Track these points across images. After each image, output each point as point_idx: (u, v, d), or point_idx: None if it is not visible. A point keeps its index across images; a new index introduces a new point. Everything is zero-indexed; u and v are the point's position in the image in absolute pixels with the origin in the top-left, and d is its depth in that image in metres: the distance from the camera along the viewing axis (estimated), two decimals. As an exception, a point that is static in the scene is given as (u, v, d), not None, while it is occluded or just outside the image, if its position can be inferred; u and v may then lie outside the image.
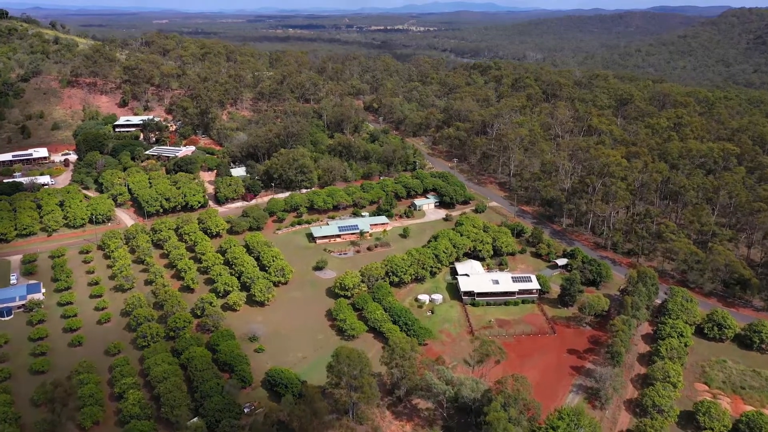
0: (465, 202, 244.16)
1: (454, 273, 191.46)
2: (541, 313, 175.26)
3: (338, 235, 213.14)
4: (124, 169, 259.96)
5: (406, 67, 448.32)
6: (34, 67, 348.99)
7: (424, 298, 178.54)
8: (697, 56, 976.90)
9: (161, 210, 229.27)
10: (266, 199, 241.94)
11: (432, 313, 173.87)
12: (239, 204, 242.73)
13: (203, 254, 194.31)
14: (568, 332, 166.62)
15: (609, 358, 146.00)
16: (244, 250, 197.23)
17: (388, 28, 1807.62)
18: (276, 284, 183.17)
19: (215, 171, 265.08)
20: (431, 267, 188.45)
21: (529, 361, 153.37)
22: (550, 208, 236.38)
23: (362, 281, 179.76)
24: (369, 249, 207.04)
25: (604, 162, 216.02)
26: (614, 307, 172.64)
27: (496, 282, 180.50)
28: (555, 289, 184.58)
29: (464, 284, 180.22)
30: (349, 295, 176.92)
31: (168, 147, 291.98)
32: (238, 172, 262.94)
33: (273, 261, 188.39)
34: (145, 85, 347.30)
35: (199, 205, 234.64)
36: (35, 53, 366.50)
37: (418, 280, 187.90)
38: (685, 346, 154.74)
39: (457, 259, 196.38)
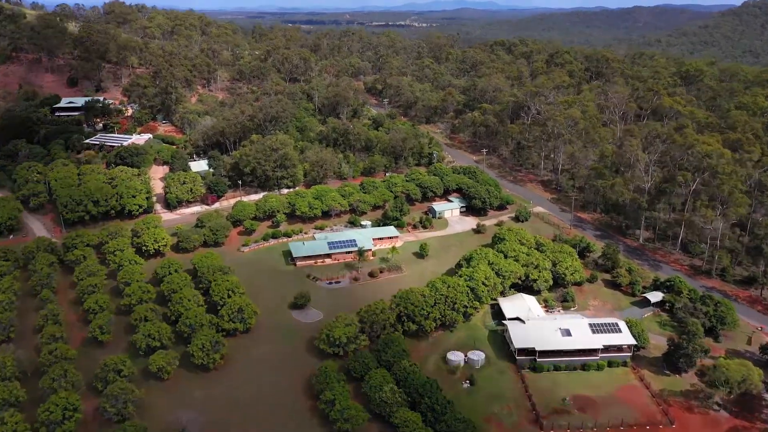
0: (500, 207, 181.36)
1: (498, 316, 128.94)
2: (640, 383, 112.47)
3: (328, 255, 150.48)
4: (51, 161, 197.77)
5: (416, 44, 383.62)
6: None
7: (456, 357, 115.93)
8: (721, 47, 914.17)
9: (86, 217, 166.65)
10: (234, 202, 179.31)
11: (470, 384, 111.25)
12: (197, 208, 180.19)
13: (127, 285, 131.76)
14: (692, 421, 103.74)
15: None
16: (190, 278, 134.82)
17: (390, 23, 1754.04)
18: (231, 333, 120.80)
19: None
20: (465, 306, 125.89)
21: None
22: (619, 215, 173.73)
23: (361, 330, 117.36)
24: (371, 275, 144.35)
25: (704, 152, 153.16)
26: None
27: (567, 333, 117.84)
28: (654, 342, 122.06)
29: (518, 336, 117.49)
30: (341, 353, 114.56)
31: (115, 135, 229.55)
32: (200, 166, 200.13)
33: (228, 296, 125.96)
34: (97, 60, 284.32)
35: (141, 210, 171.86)
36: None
37: (447, 326, 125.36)
38: None
39: (502, 293, 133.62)
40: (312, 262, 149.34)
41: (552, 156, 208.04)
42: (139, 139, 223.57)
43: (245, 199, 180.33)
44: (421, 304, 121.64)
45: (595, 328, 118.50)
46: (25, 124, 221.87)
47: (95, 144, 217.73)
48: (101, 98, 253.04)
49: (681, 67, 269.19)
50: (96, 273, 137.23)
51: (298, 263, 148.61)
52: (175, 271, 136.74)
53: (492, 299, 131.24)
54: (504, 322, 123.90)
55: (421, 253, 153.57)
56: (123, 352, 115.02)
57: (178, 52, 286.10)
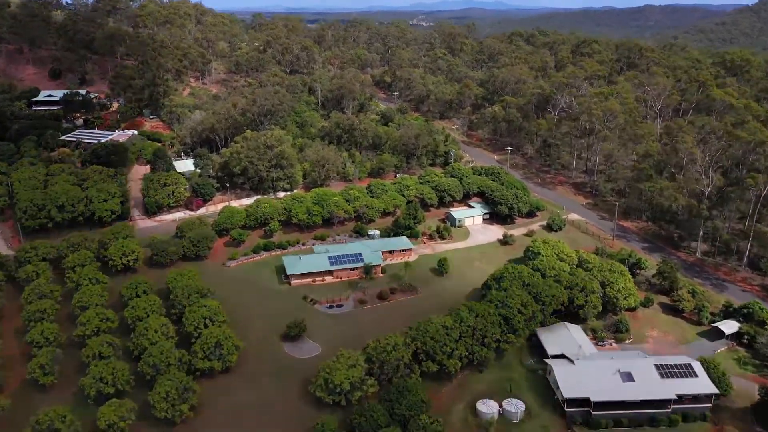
0: (529, 214, 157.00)
1: (537, 349, 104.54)
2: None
3: (329, 271, 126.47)
4: (18, 159, 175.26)
5: (427, 35, 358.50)
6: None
7: (489, 409, 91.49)
8: (740, 44, 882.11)
9: (50, 224, 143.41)
10: (222, 207, 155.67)
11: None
12: (180, 214, 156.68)
13: (84, 310, 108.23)
14: (804, 503, 79.24)
15: None
16: (160, 301, 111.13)
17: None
18: (205, 374, 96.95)
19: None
20: (497, 340, 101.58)
21: None
22: (669, 224, 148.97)
23: (369, 373, 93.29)
24: (381, 297, 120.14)
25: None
26: None
27: (629, 377, 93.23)
28: (735, 386, 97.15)
29: (567, 381, 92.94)
30: (343, 402, 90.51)
31: (95, 131, 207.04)
32: (185, 165, 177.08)
33: (204, 326, 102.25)
34: (82, 51, 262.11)
35: (114, 216, 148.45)
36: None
37: (475, 365, 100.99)
38: None
39: (542, 323, 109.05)
40: (310, 280, 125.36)
41: (585, 155, 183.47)
42: (122, 135, 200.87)
43: (235, 203, 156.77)
44: (442, 338, 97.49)
45: (664, 371, 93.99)
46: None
47: (71, 141, 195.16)
48: (82, 91, 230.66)
49: (723, 56, 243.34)
50: (48, 294, 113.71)
51: (294, 281, 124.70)
52: (144, 292, 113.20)
53: (530, 330, 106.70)
54: (546, 360, 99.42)
55: (440, 270, 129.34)
56: (70, 398, 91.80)
57: (169, 42, 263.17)
